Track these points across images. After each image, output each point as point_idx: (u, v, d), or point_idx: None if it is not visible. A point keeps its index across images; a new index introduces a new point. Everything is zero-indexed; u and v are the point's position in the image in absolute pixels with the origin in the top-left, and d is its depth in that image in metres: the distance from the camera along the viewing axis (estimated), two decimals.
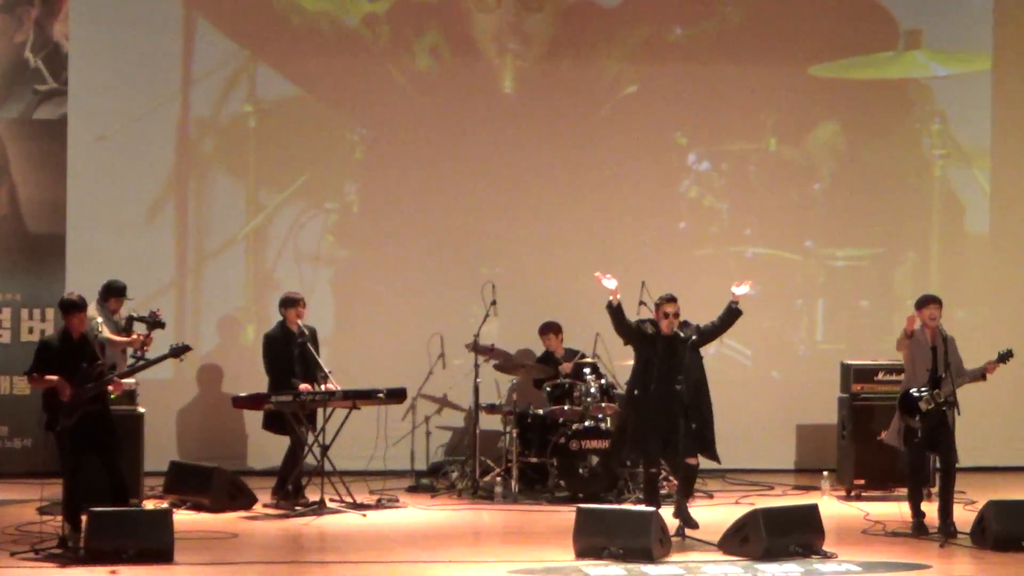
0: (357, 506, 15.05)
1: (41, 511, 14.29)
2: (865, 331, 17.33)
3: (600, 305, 14.08)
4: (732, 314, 13.74)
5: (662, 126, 17.71)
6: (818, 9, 17.72)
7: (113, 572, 12.05)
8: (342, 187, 17.52)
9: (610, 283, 13.75)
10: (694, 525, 13.46)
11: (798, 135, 17.84)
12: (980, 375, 13.81)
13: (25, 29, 16.65)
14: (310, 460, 15.12)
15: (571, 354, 16.29)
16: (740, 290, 13.74)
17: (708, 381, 13.88)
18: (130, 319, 14.55)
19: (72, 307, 13.13)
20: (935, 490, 13.92)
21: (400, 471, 16.59)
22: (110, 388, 13.26)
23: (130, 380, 14.45)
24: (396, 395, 15.45)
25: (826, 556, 12.78)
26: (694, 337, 13.69)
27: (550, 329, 16.44)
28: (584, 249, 17.34)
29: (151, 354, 14.30)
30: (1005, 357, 13.71)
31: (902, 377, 14.23)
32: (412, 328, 16.89)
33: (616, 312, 13.67)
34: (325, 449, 14.99)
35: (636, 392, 13.80)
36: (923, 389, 13.66)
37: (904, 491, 14.28)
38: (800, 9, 17.72)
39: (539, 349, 16.70)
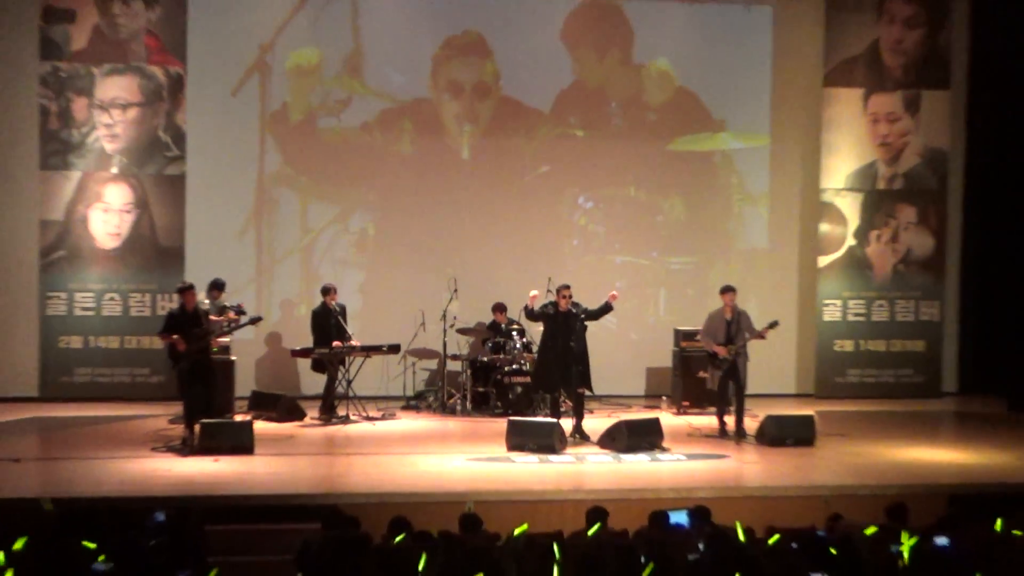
0: (369, 418, 15.05)
1: (170, 422, 14.39)
2: (690, 309, 17.20)
3: (524, 293, 14.07)
4: (607, 306, 13.79)
5: (563, 181, 17.60)
6: (667, 107, 17.61)
7: (216, 459, 12.18)
8: (361, 219, 17.36)
9: (535, 292, 13.91)
10: (588, 439, 13.51)
11: (648, 185, 17.75)
12: (760, 335, 13.89)
13: (159, 116, 16.55)
14: (341, 389, 15.09)
15: (512, 323, 16.12)
16: (614, 293, 13.79)
17: (591, 339, 13.94)
18: (223, 306, 14.44)
19: (186, 289, 13.24)
20: (733, 408, 14.02)
21: (397, 396, 16.52)
22: (210, 343, 13.33)
23: (224, 339, 14.46)
24: (394, 348, 15.48)
25: (664, 450, 12.97)
26: (583, 315, 13.70)
27: (498, 308, 16.29)
28: (516, 258, 17.29)
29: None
30: (773, 325, 13.81)
31: None
32: (404, 306, 16.74)
33: (529, 313, 13.79)
34: (350, 383, 15.02)
35: (544, 348, 13.90)
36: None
37: (713, 409, 14.43)
38: (655, 107, 17.58)
39: (488, 321, 16.52)
